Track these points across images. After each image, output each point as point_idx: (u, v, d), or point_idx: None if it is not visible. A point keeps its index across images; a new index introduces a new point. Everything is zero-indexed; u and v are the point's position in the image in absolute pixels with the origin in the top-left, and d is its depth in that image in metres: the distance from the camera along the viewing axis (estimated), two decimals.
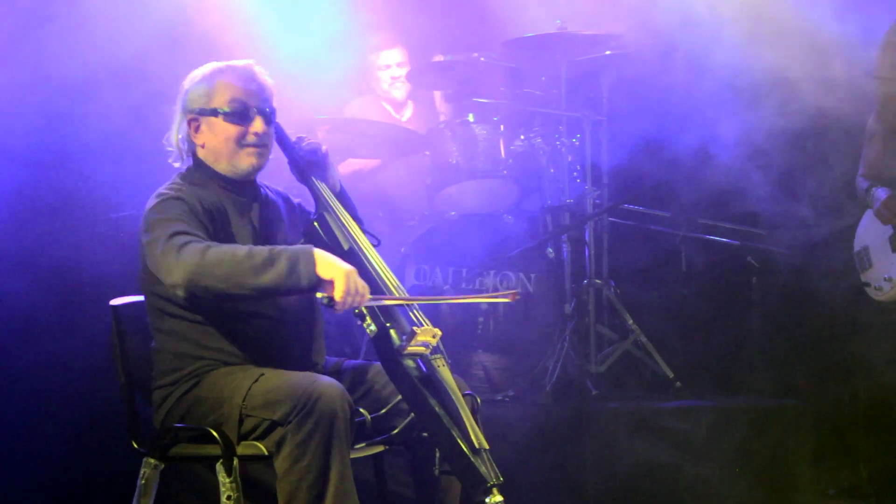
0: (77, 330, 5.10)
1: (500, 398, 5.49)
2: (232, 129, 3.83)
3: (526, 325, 5.76)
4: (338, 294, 3.50)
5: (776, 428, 5.39)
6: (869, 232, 5.14)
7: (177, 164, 3.94)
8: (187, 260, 3.56)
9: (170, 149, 3.93)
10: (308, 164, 4.04)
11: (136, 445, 3.89)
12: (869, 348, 5.25)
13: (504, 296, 3.93)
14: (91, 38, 5.39)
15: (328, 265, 3.55)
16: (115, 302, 3.99)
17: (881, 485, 5.32)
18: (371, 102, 6.61)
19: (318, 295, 3.56)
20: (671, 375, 5.78)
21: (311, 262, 3.53)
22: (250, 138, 3.85)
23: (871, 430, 5.37)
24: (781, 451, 5.32)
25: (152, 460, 3.85)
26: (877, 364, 5.22)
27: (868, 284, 5.09)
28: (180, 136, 3.90)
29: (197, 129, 3.87)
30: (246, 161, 3.87)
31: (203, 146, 3.88)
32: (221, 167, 3.89)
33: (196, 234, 3.68)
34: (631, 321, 5.92)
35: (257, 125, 3.84)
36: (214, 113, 3.84)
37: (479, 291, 5.79)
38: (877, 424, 5.33)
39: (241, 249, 3.59)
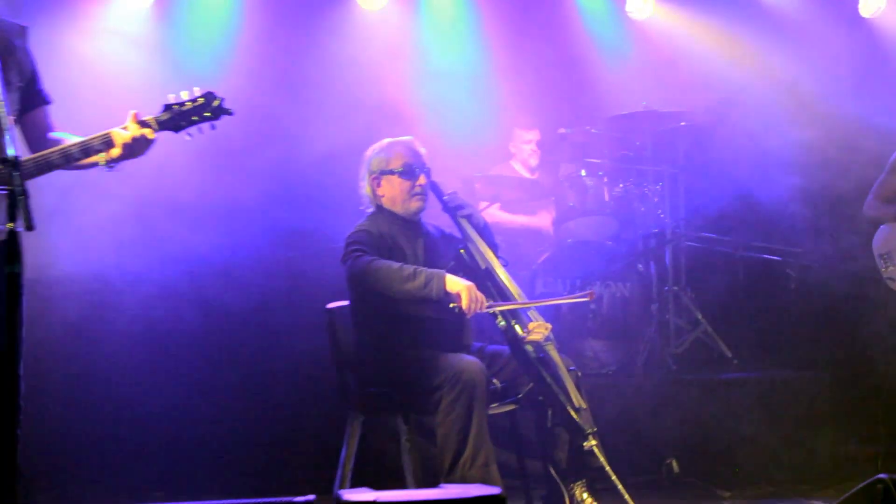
0: (306, 325, 5.00)
1: (604, 372, 5.48)
2: (405, 183, 4.08)
3: (623, 320, 5.71)
4: (464, 303, 3.74)
5: (809, 394, 5.31)
6: (889, 240, 5.01)
7: (370, 211, 4.17)
8: (359, 265, 3.85)
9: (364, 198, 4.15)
10: (455, 208, 4.18)
11: (345, 405, 4.12)
12: (885, 330, 5.23)
13: (583, 296, 4.01)
14: (332, 120, 5.62)
15: (454, 283, 3.77)
16: (330, 305, 4.22)
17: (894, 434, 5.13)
18: (511, 164, 6.51)
19: (451, 305, 3.77)
20: (730, 355, 5.81)
21: (442, 281, 3.76)
22: (416, 189, 4.07)
23: (887, 396, 5.25)
24: (812, 412, 5.23)
25: (357, 415, 4.07)
26: (892, 343, 5.21)
27: (892, 279, 4.99)
28: (368, 190, 4.15)
29: (378, 184, 4.11)
30: (414, 205, 4.11)
31: (383, 196, 4.12)
32: (397, 210, 4.11)
33: (371, 251, 3.90)
34: (700, 315, 5.93)
35: (421, 180, 4.09)
36: (392, 172, 4.08)
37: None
38: (892, 392, 5.23)
39: (395, 264, 3.83)
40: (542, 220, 6.48)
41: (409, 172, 4.09)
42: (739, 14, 6.40)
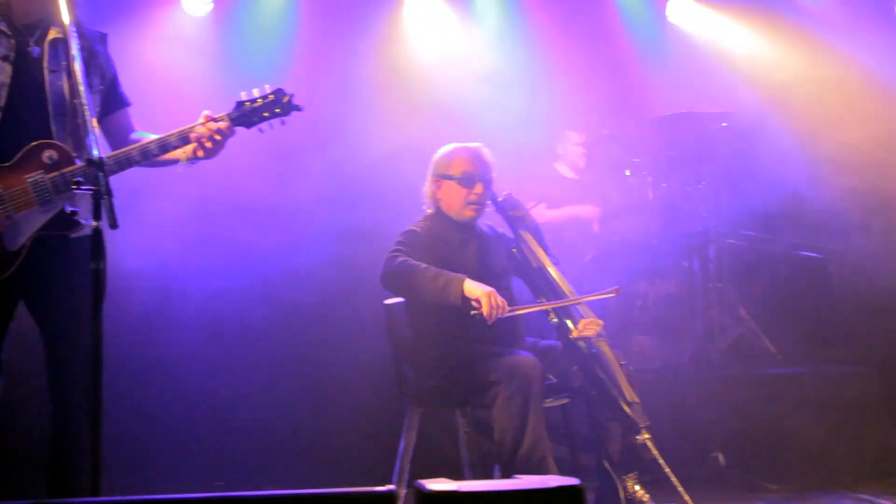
0: (366, 321, 5.06)
1: (650, 367, 5.42)
2: (462, 191, 4.05)
3: (668, 316, 5.72)
4: (484, 309, 3.69)
5: (855, 388, 5.24)
6: None
7: (429, 211, 4.17)
8: (389, 264, 3.84)
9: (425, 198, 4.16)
10: (508, 210, 4.20)
11: (403, 397, 4.11)
12: None
13: (609, 292, 3.97)
14: (390, 121, 5.63)
15: (473, 289, 3.71)
16: (388, 302, 4.22)
17: None
18: (556, 166, 6.43)
19: (472, 312, 3.71)
20: (773, 350, 5.75)
21: (459, 286, 3.72)
22: (472, 197, 4.04)
23: None
24: (858, 407, 5.15)
25: (415, 408, 4.07)
26: None
27: None
28: (429, 191, 4.13)
29: (438, 187, 4.09)
30: (468, 213, 4.08)
31: (441, 199, 4.10)
32: (452, 214, 4.09)
33: (408, 253, 3.88)
34: (744, 312, 5.86)
35: (478, 189, 4.04)
36: (451, 178, 4.05)
37: (634, 293, 5.70)
38: None
39: (421, 266, 3.79)
40: (587, 210, 6.38)
41: (467, 180, 4.04)
42: (784, 14, 6.33)
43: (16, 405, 3.34)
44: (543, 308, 3.92)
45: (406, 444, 4.04)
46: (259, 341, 5.17)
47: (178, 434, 4.91)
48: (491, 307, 3.67)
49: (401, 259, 3.83)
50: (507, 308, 3.73)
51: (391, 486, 2.10)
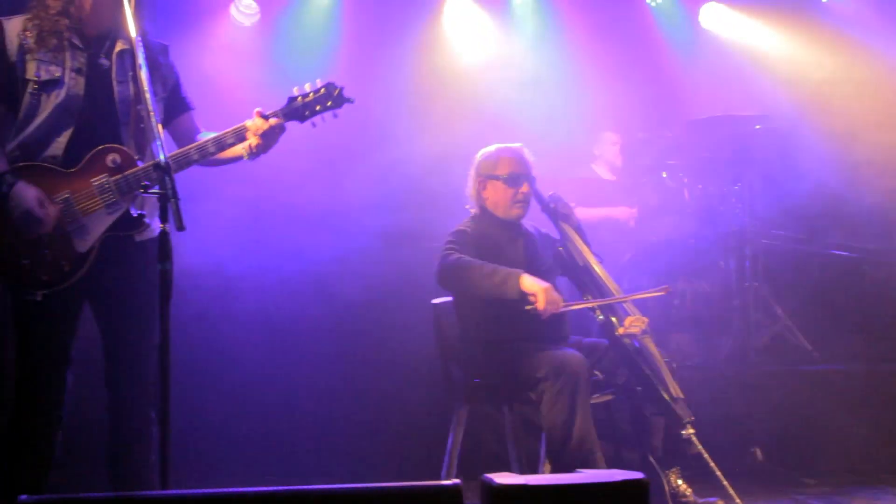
0: (415, 320, 4.92)
1: (688, 364, 5.33)
2: (508, 190, 4.01)
3: (706, 314, 5.67)
4: (540, 304, 3.64)
5: (892, 385, 5.14)
6: None
7: (474, 211, 4.12)
8: (444, 261, 3.80)
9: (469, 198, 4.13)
10: (554, 209, 4.15)
11: (451, 394, 4.07)
12: None
13: (659, 291, 3.95)
14: (435, 126, 5.64)
15: (531, 284, 3.66)
16: (435, 301, 4.20)
17: None
18: (593, 167, 6.41)
19: (528, 307, 3.66)
20: (809, 348, 5.69)
21: (517, 280, 3.68)
22: (519, 196, 4.01)
23: None
24: (894, 401, 5.04)
25: (462, 405, 4.01)
26: None
27: None
28: (473, 191, 4.10)
29: (484, 187, 4.04)
30: (515, 212, 4.04)
31: (487, 199, 4.06)
32: (499, 213, 4.04)
33: (460, 251, 3.83)
34: (780, 310, 5.81)
35: (524, 188, 4.01)
36: (497, 178, 4.01)
37: (672, 292, 5.46)
38: None
39: (477, 262, 3.75)
40: (622, 212, 6.32)
41: (513, 180, 4.01)
42: (819, 16, 6.28)
43: (84, 401, 3.34)
44: (596, 304, 3.88)
45: (454, 440, 4.00)
46: (310, 339, 5.16)
47: (230, 428, 4.91)
48: (547, 302, 3.64)
49: (455, 256, 3.81)
50: (562, 304, 3.70)
51: (456, 480, 2.07)
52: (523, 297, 3.67)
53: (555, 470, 3.65)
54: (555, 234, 4.21)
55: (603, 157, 6.44)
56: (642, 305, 4.08)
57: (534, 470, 3.99)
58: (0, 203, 2.94)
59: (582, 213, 5.99)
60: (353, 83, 3.27)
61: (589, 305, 3.87)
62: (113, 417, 3.15)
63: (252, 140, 3.09)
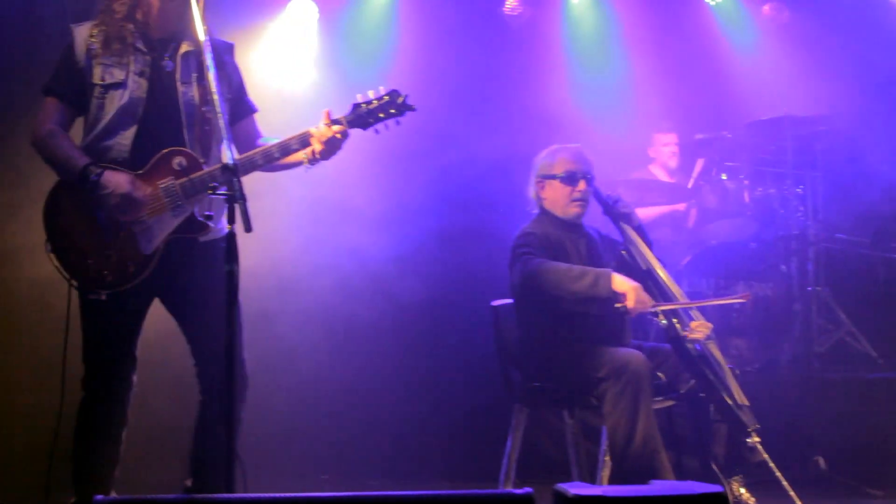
0: (474, 321, 4.94)
1: (748, 369, 5.20)
2: (565, 188, 3.97)
3: (766, 319, 5.55)
4: (630, 303, 3.59)
5: None
6: None
7: (534, 212, 4.08)
8: (529, 268, 3.73)
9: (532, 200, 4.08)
10: (616, 212, 4.07)
11: (510, 398, 4.01)
12: None
13: (740, 298, 3.89)
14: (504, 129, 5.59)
15: (622, 283, 3.61)
16: (495, 303, 4.15)
17: None
18: (650, 169, 6.37)
19: (617, 305, 3.61)
20: (874, 354, 5.56)
21: (609, 280, 3.62)
22: (576, 195, 3.96)
23: None
24: None
25: (521, 408, 3.97)
26: None
27: None
28: (533, 193, 4.06)
29: (542, 187, 4.02)
30: (573, 210, 3.98)
31: (546, 199, 4.02)
32: (558, 213, 4.00)
33: (537, 254, 3.79)
34: (843, 315, 5.69)
35: (581, 185, 3.96)
36: (554, 177, 3.98)
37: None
38: None
39: (564, 265, 3.71)
40: (681, 206, 6.27)
41: (570, 178, 3.97)
42: (886, 14, 6.11)
43: (147, 399, 3.36)
44: (682, 307, 3.82)
45: (512, 444, 3.95)
46: (367, 339, 5.17)
47: (287, 427, 4.91)
48: (636, 301, 3.59)
49: (537, 260, 3.76)
50: (651, 303, 3.65)
51: (528, 489, 2.02)
52: (613, 297, 3.63)
53: (617, 472, 3.59)
54: (616, 237, 4.16)
55: (659, 158, 6.37)
56: (704, 310, 4.01)
57: (593, 474, 3.93)
58: (88, 193, 2.97)
59: (640, 212, 5.99)
60: (412, 84, 3.25)
61: (677, 307, 3.79)
62: (201, 412, 3.17)
63: (316, 146, 3.07)
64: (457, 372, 5.12)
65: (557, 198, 4.00)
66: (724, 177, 5.93)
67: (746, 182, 5.90)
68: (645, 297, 3.63)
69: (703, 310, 4.01)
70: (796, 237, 5.76)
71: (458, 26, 5.85)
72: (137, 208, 3.00)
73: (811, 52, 6.23)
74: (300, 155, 3.13)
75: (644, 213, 6.06)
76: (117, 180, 2.98)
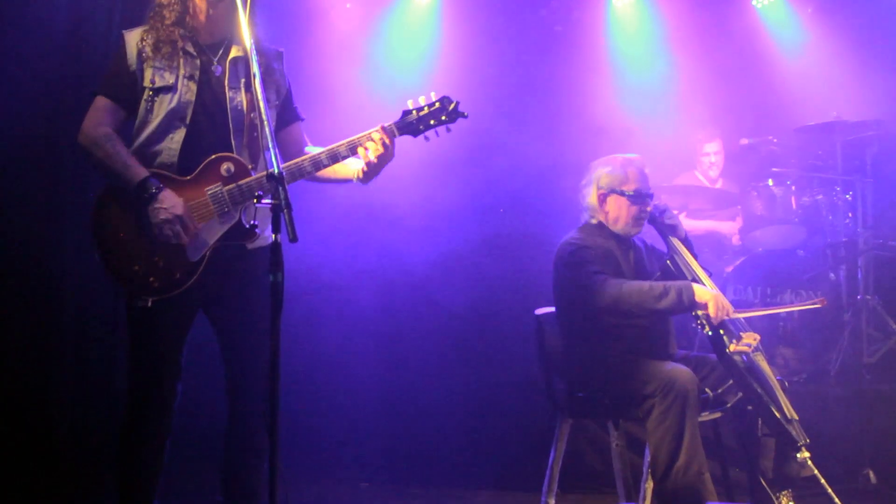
0: (519, 329, 4.92)
1: (795, 380, 5.17)
2: (633, 208, 3.87)
3: (814, 328, 5.46)
4: (711, 311, 3.53)
5: None
6: None
7: (593, 221, 3.94)
8: (611, 291, 3.62)
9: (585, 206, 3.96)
10: (662, 223, 4.01)
11: (554, 408, 3.97)
12: None
13: (814, 303, 3.79)
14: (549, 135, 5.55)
15: (702, 293, 3.57)
16: (538, 311, 4.09)
17: None
18: (695, 174, 6.30)
19: (699, 313, 3.55)
20: None
21: (691, 292, 3.56)
22: (642, 215, 3.89)
23: None
24: None
25: (565, 419, 3.93)
26: None
27: None
28: (594, 201, 3.93)
29: (605, 200, 3.90)
30: (635, 230, 3.92)
31: (608, 212, 3.91)
32: (617, 229, 3.91)
33: (605, 272, 3.72)
34: (894, 325, 5.50)
35: (648, 207, 3.89)
36: (622, 194, 3.86)
37: (779, 305, 5.34)
38: None
39: (644, 284, 3.62)
40: (726, 227, 6.20)
41: (639, 198, 3.89)
42: None
43: (191, 409, 3.34)
44: (762, 314, 3.82)
45: (556, 454, 3.92)
46: (411, 345, 5.17)
47: (331, 432, 4.92)
48: (717, 309, 3.55)
49: (613, 281, 3.67)
50: (732, 311, 3.61)
51: None
52: (694, 307, 3.60)
53: (659, 492, 3.52)
54: (661, 246, 4.09)
55: (705, 163, 6.31)
56: (751, 320, 3.92)
57: (636, 487, 3.85)
58: (143, 205, 2.94)
59: (687, 223, 5.90)
60: (456, 90, 3.20)
61: (756, 314, 3.77)
62: (231, 427, 3.13)
63: (372, 153, 3.01)
64: (500, 379, 5.08)
65: (622, 215, 3.91)
66: (770, 182, 5.82)
67: (794, 188, 5.81)
68: (726, 303, 3.58)
69: (750, 319, 3.91)
70: (845, 244, 5.65)
71: (502, 31, 5.83)
72: (183, 235, 2.96)
73: (861, 54, 6.13)
74: (350, 171, 3.10)
75: (689, 226, 5.99)
76: (175, 202, 2.95)
